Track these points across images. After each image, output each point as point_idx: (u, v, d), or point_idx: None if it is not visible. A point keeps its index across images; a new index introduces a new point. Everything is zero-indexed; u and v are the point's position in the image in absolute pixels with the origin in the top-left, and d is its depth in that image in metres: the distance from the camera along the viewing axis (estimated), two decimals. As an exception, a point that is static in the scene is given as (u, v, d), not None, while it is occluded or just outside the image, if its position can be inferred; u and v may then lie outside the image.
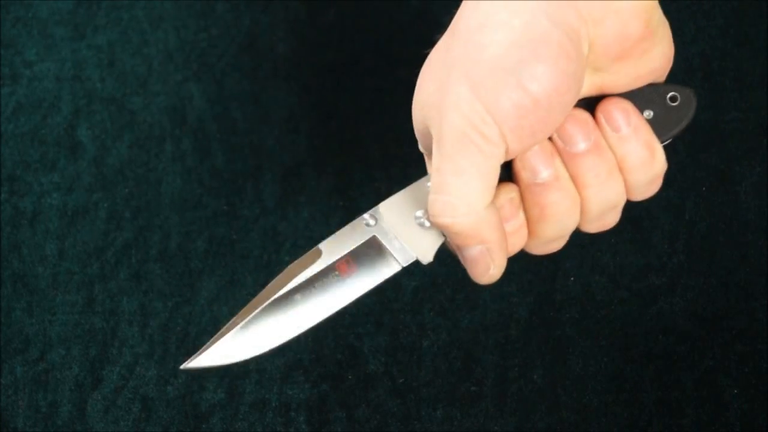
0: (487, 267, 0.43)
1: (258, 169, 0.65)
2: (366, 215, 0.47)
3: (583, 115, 0.42)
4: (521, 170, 0.42)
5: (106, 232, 0.64)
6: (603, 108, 0.43)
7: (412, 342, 0.61)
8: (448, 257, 0.62)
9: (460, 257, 0.43)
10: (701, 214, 0.63)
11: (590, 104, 0.44)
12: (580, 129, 0.42)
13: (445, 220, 0.40)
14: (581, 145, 0.42)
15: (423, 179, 0.47)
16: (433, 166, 0.41)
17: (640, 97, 0.46)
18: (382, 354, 0.61)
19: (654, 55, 0.42)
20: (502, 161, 0.41)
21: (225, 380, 0.61)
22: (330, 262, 0.47)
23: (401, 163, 0.65)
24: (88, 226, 0.64)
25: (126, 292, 0.63)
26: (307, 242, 0.63)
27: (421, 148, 0.46)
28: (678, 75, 0.57)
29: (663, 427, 0.59)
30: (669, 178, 0.57)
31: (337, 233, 0.47)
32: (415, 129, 0.44)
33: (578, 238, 0.64)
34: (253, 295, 0.52)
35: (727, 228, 0.63)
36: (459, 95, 0.39)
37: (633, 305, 0.61)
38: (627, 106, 0.43)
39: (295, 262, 0.47)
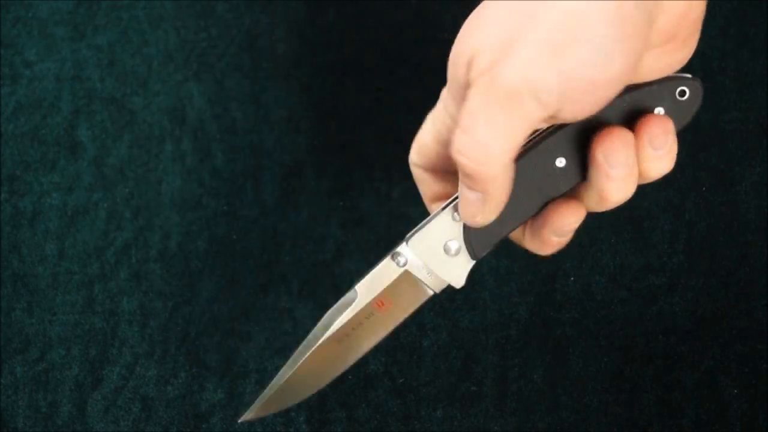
0: (476, 213, 0.43)
1: (258, 169, 0.65)
2: (397, 250, 0.48)
3: (628, 136, 0.43)
4: None
5: (106, 232, 0.64)
6: (648, 129, 0.43)
7: (412, 342, 0.61)
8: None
9: (459, 190, 0.44)
10: (701, 214, 0.63)
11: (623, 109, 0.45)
12: (624, 154, 0.43)
13: (462, 159, 0.41)
14: (620, 170, 0.43)
15: (446, 211, 0.48)
16: (467, 105, 0.40)
17: (652, 94, 0.46)
18: (382, 354, 0.61)
19: (691, 44, 0.42)
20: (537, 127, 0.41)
21: (225, 380, 0.61)
22: (366, 302, 0.48)
23: (401, 163, 0.64)
24: (88, 226, 0.64)
25: (126, 292, 0.63)
26: (307, 242, 0.63)
27: (446, 91, 0.45)
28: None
29: (663, 427, 0.59)
30: (669, 178, 0.57)
31: (371, 274, 0.49)
32: (452, 67, 0.43)
33: (578, 237, 0.64)
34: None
35: (727, 228, 0.63)
36: (530, 56, 0.38)
37: (633, 305, 0.61)
38: (670, 126, 0.44)
39: (333, 307, 0.49)
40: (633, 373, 0.60)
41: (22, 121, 0.66)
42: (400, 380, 0.60)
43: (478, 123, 0.40)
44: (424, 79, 0.58)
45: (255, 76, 0.67)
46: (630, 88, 0.48)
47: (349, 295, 0.49)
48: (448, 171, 0.49)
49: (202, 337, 0.61)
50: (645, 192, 0.56)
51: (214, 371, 0.61)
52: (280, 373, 0.49)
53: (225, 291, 0.63)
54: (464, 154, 0.40)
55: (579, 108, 0.40)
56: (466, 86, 0.41)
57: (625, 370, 0.60)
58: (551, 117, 0.40)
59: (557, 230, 0.46)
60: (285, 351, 0.61)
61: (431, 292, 0.48)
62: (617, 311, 0.61)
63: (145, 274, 0.63)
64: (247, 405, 0.60)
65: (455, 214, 0.48)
